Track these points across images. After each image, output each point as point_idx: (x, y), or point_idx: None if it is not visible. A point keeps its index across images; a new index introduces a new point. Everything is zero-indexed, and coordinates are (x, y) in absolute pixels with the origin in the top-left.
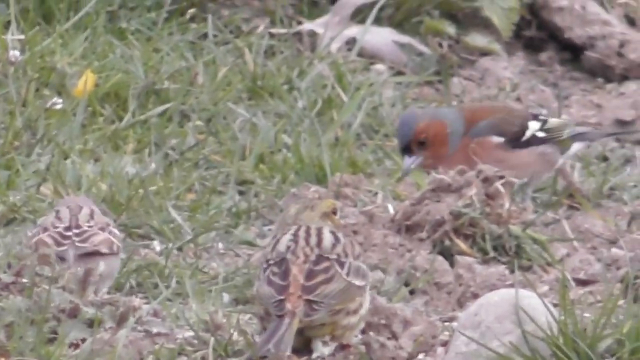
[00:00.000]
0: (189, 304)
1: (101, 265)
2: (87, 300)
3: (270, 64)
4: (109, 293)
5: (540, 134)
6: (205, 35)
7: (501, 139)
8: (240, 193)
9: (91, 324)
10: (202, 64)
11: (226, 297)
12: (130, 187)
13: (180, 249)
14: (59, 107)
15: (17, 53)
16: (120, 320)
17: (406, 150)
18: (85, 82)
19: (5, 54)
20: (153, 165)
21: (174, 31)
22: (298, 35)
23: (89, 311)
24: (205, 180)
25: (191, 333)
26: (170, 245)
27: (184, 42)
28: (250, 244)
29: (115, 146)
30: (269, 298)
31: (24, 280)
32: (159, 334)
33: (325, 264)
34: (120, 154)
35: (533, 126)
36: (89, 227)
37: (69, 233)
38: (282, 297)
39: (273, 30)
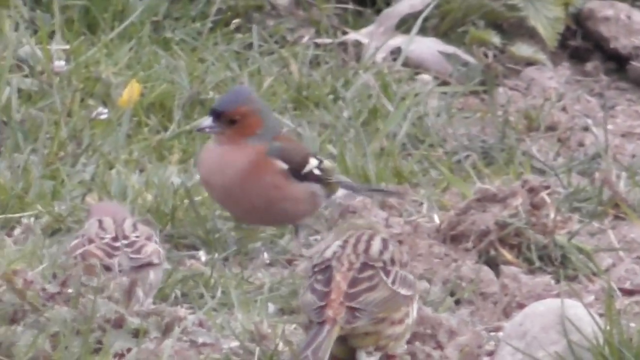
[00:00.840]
0: (234, 314)
1: (151, 275)
2: (133, 311)
3: (315, 74)
4: (154, 303)
5: (317, 172)
6: (250, 45)
7: (285, 166)
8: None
9: (137, 334)
10: (247, 74)
11: (272, 307)
12: (176, 197)
13: (225, 259)
14: (104, 117)
15: (62, 63)
16: (166, 331)
17: (215, 114)
18: (130, 92)
19: (50, 64)
20: (198, 176)
21: (219, 41)
22: (343, 45)
23: (134, 321)
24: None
25: (237, 343)
26: (216, 255)
27: (229, 52)
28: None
29: (161, 156)
30: (311, 305)
31: (70, 290)
32: (204, 344)
33: (369, 272)
34: (166, 164)
35: (313, 162)
36: (136, 237)
37: (118, 244)
38: (323, 304)
39: (318, 40)
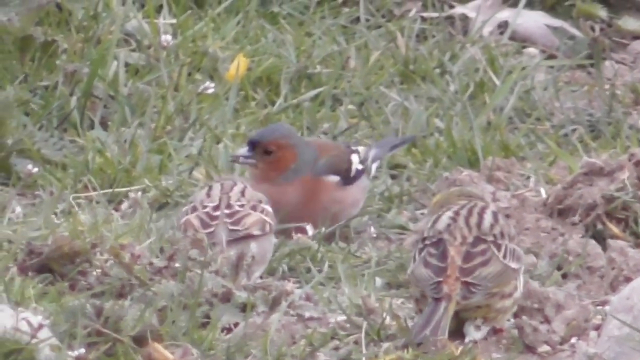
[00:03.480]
0: (341, 288)
1: (253, 248)
2: (240, 285)
3: (422, 47)
4: (261, 277)
5: (360, 167)
6: (357, 19)
7: (337, 178)
8: (393, 177)
9: (244, 308)
10: (354, 48)
11: (379, 281)
12: None
13: (332, 233)
14: (211, 91)
15: (169, 37)
16: (273, 305)
17: (251, 145)
18: (237, 67)
19: (158, 38)
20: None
21: (326, 15)
22: (450, 19)
23: (241, 295)
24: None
25: (344, 317)
26: (323, 229)
27: (336, 26)
28: (403, 227)
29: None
30: (426, 280)
31: (177, 264)
32: (311, 318)
33: (482, 246)
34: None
35: (355, 159)
36: (240, 206)
37: (218, 213)
38: (439, 279)
39: (425, 14)
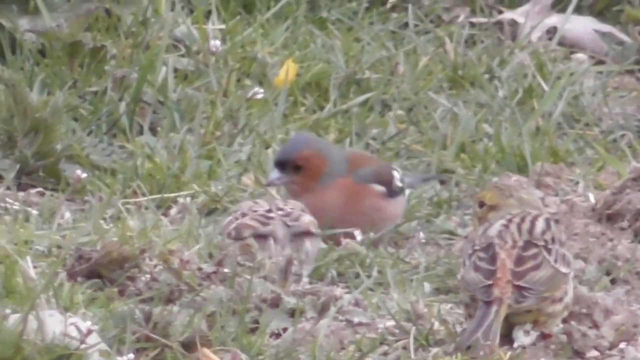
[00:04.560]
0: (390, 294)
1: (308, 246)
2: (289, 290)
3: (470, 53)
4: (310, 283)
5: (400, 184)
6: (406, 25)
7: (382, 189)
8: (441, 182)
9: (293, 313)
10: (403, 54)
11: (427, 287)
12: None
13: (381, 238)
14: (260, 96)
15: (218, 43)
16: (322, 310)
17: (279, 165)
18: (286, 72)
19: (207, 44)
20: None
21: (375, 21)
22: (499, 24)
23: (290, 301)
24: (406, 169)
25: (392, 322)
26: (372, 234)
27: (385, 32)
28: (452, 233)
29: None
30: (477, 284)
31: (226, 270)
32: (360, 324)
33: (533, 250)
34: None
35: (396, 175)
36: (291, 209)
37: (272, 214)
38: (490, 282)
39: (474, 20)
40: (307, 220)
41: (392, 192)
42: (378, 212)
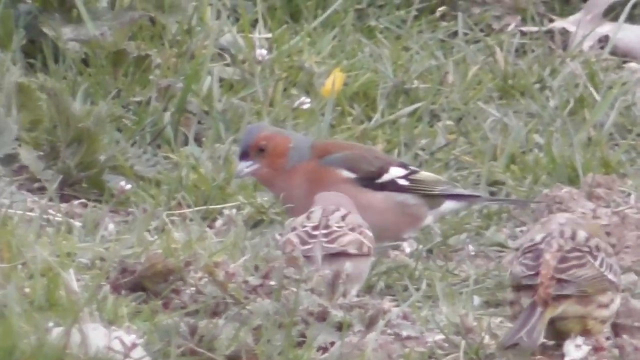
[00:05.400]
0: (439, 307)
1: (348, 266)
2: (336, 303)
3: (521, 62)
4: (358, 296)
5: (403, 182)
6: (455, 34)
7: (352, 175)
8: (492, 194)
9: (340, 327)
10: (452, 63)
11: (477, 300)
12: None
13: (430, 251)
14: (306, 106)
15: (264, 52)
16: (370, 324)
17: (244, 155)
18: (333, 82)
19: (253, 53)
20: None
21: (424, 29)
22: (550, 33)
23: (337, 314)
24: (455, 181)
25: (441, 336)
26: (421, 247)
27: (434, 41)
28: (502, 245)
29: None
30: (520, 273)
31: (272, 282)
32: (408, 338)
33: (578, 253)
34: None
35: (395, 172)
36: (339, 227)
37: (316, 232)
38: (533, 273)
39: (524, 28)
40: (347, 240)
41: (375, 184)
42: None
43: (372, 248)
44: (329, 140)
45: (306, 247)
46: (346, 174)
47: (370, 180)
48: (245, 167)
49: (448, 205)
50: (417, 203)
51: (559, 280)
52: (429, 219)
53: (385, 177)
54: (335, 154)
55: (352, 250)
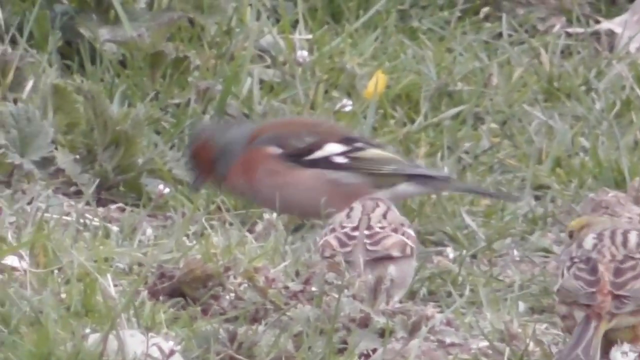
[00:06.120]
0: (483, 313)
1: (392, 270)
2: (378, 309)
3: (566, 64)
4: (400, 302)
5: (340, 159)
6: (499, 35)
7: (278, 150)
8: (537, 198)
9: (382, 333)
10: (497, 65)
11: (522, 306)
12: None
13: (474, 256)
14: (348, 109)
15: (305, 53)
16: (413, 330)
17: (190, 168)
18: (375, 84)
19: (293, 54)
20: (446, 169)
21: (467, 30)
22: (596, 34)
23: (380, 320)
24: (500, 185)
25: (486, 343)
26: (464, 252)
27: (478, 42)
28: (547, 250)
29: (407, 149)
30: (579, 290)
31: (313, 288)
32: (452, 344)
33: (631, 263)
34: (412, 158)
35: (330, 148)
36: (381, 228)
37: (356, 233)
38: (593, 290)
39: (570, 30)
40: (390, 243)
41: (302, 160)
42: (275, 176)
43: (414, 249)
44: (270, 120)
45: (346, 249)
46: (272, 149)
47: (298, 156)
48: (194, 181)
49: (406, 187)
50: (357, 182)
51: (616, 296)
52: (379, 196)
53: (317, 154)
54: (267, 133)
55: (395, 253)
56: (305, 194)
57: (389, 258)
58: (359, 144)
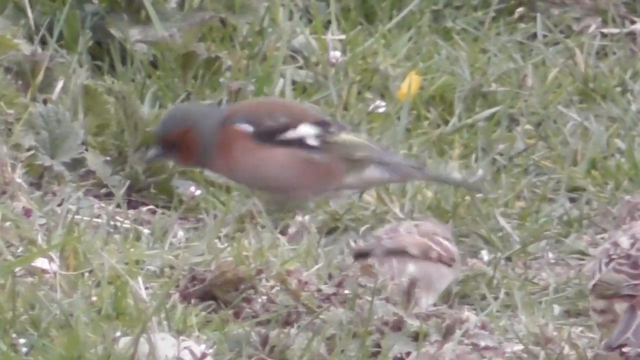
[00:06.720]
0: (518, 316)
1: (411, 267)
2: (412, 313)
3: (602, 65)
4: (434, 305)
5: (313, 142)
6: (534, 35)
7: (250, 129)
8: (572, 200)
9: (416, 337)
10: (531, 66)
11: (557, 309)
12: (457, 194)
13: (509, 258)
14: (381, 110)
15: (337, 54)
16: (447, 333)
17: (157, 143)
18: (409, 85)
19: (326, 55)
20: (480, 171)
21: (502, 31)
22: (632, 35)
23: (413, 324)
24: (535, 187)
25: (520, 347)
26: (499, 254)
27: (512, 43)
28: (582, 253)
29: (441, 151)
30: (621, 282)
31: (346, 291)
32: (487, 348)
33: None
34: (446, 159)
35: (304, 130)
36: (407, 232)
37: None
38: (636, 282)
39: (605, 30)
40: (409, 241)
41: (272, 139)
42: (247, 153)
43: (446, 257)
44: (245, 100)
45: (367, 244)
46: (244, 127)
47: (270, 135)
48: (154, 155)
49: (373, 172)
50: (329, 161)
51: None
52: (349, 180)
53: (291, 134)
54: (240, 113)
55: (413, 250)
56: (276, 172)
57: (408, 256)
58: (332, 129)
